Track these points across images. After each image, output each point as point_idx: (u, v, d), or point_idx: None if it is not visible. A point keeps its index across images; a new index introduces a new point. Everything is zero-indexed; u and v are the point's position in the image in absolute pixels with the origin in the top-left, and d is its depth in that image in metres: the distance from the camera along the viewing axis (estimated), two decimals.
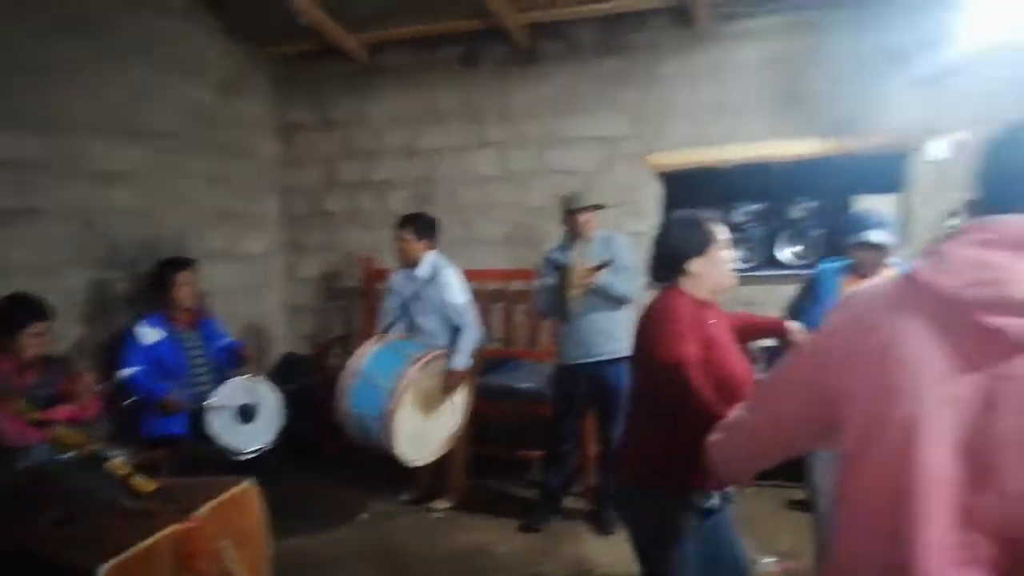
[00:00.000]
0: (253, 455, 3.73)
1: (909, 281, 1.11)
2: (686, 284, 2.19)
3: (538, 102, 5.18)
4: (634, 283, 3.88)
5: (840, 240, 3.15)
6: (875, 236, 2.96)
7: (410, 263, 4.31)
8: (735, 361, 2.17)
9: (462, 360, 4.16)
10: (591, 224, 3.97)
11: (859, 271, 3.06)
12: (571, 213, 3.98)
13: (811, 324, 2.50)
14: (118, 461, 2.32)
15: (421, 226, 4.31)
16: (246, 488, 2.49)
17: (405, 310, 4.36)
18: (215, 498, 2.33)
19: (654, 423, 2.15)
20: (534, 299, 4.35)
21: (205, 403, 3.70)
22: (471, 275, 4.66)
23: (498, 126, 5.29)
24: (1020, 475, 0.98)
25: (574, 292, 3.87)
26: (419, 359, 3.89)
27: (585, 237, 3.97)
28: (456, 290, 4.26)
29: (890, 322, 1.09)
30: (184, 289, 3.96)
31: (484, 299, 5.00)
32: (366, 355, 3.95)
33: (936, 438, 1.02)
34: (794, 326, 2.53)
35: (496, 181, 5.33)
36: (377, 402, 3.78)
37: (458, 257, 5.38)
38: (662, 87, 4.93)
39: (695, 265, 2.18)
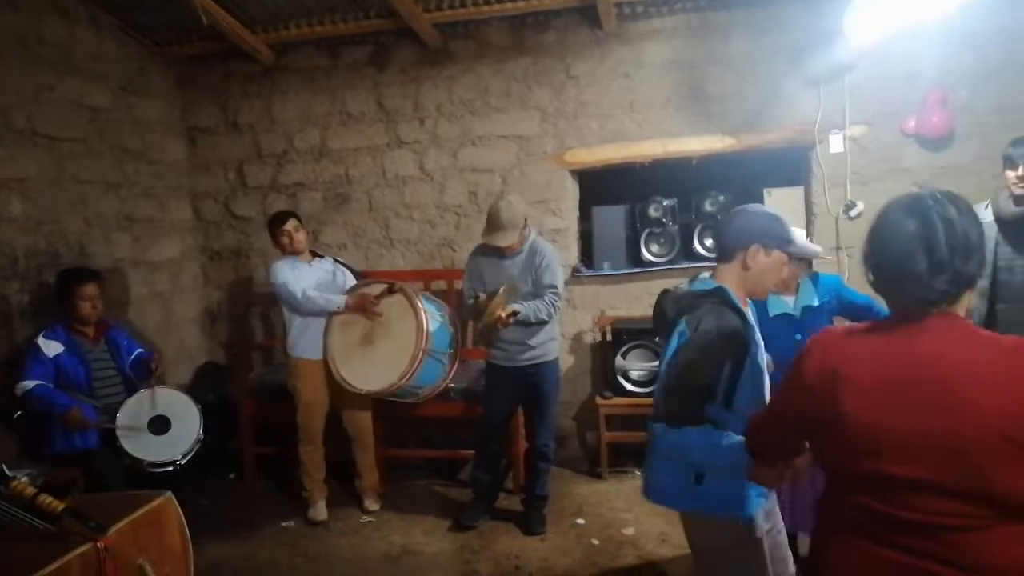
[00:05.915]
0: (169, 468, 3.60)
1: None
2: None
3: (451, 102, 5.17)
4: (555, 304, 3.87)
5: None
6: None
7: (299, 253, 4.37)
8: None
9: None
10: (513, 248, 3.89)
11: None
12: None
13: None
14: (22, 481, 2.19)
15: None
16: (163, 502, 2.40)
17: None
18: (130, 514, 2.23)
19: None
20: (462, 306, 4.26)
21: (114, 415, 3.56)
22: (392, 276, 4.63)
23: (412, 126, 5.25)
24: None
25: (489, 337, 3.84)
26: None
27: (508, 253, 3.91)
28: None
29: None
30: (84, 303, 3.77)
31: None
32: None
33: None
34: None
35: (413, 181, 5.30)
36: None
37: (378, 258, 5.35)
38: (573, 86, 5.00)
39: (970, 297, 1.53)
